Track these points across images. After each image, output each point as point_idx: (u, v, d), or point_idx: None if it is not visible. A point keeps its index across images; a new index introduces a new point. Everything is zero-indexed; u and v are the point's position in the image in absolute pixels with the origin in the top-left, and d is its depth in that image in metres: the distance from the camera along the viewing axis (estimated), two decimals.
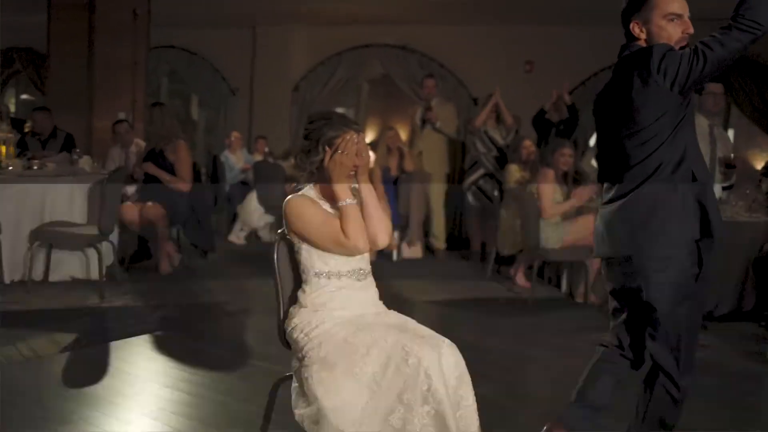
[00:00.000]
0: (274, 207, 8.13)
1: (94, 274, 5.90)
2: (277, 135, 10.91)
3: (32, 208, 5.83)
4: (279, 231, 3.07)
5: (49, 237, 5.72)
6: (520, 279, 6.86)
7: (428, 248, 8.44)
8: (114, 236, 6.35)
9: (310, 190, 2.94)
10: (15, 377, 3.94)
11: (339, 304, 2.88)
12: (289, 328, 2.91)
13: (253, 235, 8.63)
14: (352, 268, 2.92)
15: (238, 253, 7.89)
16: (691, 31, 2.86)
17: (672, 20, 2.83)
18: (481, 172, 7.96)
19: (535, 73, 9.30)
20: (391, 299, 6.06)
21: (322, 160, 2.85)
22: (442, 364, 2.69)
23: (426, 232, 8.49)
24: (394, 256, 7.94)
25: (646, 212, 2.89)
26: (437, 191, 8.26)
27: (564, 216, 6.33)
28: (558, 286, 6.85)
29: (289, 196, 2.93)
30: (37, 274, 5.89)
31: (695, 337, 3.01)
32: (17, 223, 5.76)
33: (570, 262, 6.59)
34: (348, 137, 2.84)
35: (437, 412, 2.62)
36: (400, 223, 8.01)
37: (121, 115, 8.07)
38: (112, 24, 8.23)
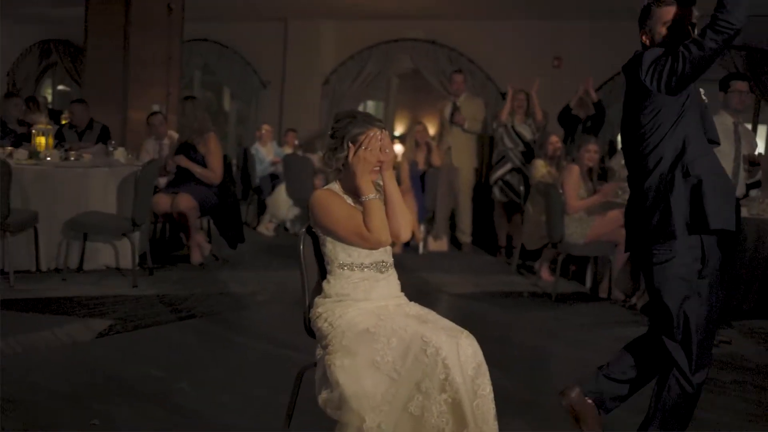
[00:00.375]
0: (302, 199, 8.27)
1: (127, 263, 6.06)
2: (307, 128, 11.05)
3: (68, 198, 5.98)
4: (306, 225, 3.20)
5: (83, 227, 5.88)
6: (545, 273, 6.93)
7: (454, 242, 8.52)
8: (147, 226, 6.56)
9: (335, 185, 3.05)
10: (52, 361, 4.10)
11: (362, 295, 2.99)
12: (314, 318, 3.03)
13: (281, 226, 8.77)
14: (374, 260, 3.02)
15: (267, 245, 8.03)
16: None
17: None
18: (508, 167, 8.02)
19: (564, 69, 9.31)
20: (418, 291, 6.22)
21: (347, 157, 2.96)
22: (460, 355, 2.78)
23: (452, 226, 8.58)
24: (420, 249, 8.02)
25: (647, 207, 3.03)
26: (465, 185, 8.33)
27: (588, 211, 6.37)
28: (583, 281, 6.90)
29: (316, 191, 3.05)
30: (73, 262, 6.07)
31: (709, 333, 3.07)
32: (54, 213, 5.93)
33: (594, 258, 6.64)
34: (371, 134, 2.94)
35: (454, 400, 2.71)
36: (426, 216, 8.10)
37: (156, 108, 8.24)
38: (147, 18, 8.40)
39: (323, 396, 2.83)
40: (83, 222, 5.84)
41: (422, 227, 8.03)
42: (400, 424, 2.72)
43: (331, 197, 3.00)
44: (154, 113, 7.74)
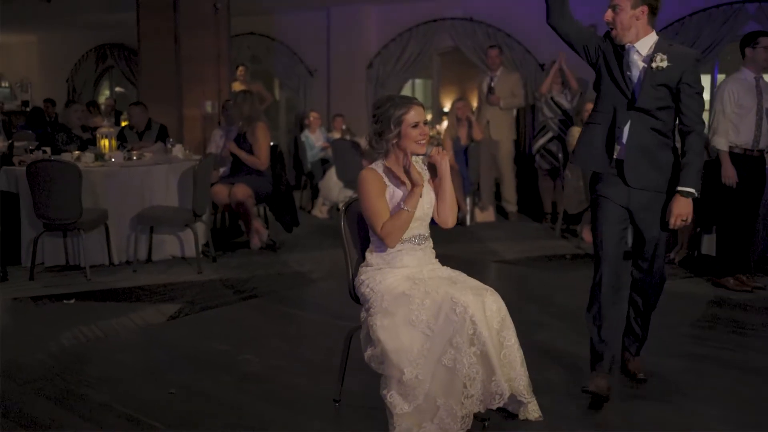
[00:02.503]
0: (352, 181, 8.62)
1: (192, 252, 6.51)
2: (353, 112, 11.39)
3: (134, 195, 6.46)
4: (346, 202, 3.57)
5: (149, 220, 6.35)
6: (587, 235, 7.14)
7: (501, 212, 8.79)
8: (208, 216, 7.02)
9: (379, 165, 3.37)
10: (131, 343, 4.57)
11: (399, 263, 3.34)
12: (358, 285, 3.39)
13: (334, 208, 9.15)
14: (412, 234, 3.36)
15: (321, 226, 8.41)
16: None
17: None
18: (549, 135, 8.24)
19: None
20: (465, 260, 6.57)
21: (395, 138, 3.27)
22: (486, 311, 3.10)
23: (498, 197, 8.84)
24: (468, 221, 8.31)
25: None
26: (506, 157, 8.57)
27: None
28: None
29: (362, 170, 3.37)
30: (142, 254, 6.55)
31: None
32: (121, 210, 6.41)
33: None
34: (413, 111, 3.25)
35: (482, 353, 3.05)
36: (471, 189, 8.37)
37: (208, 105, 8.70)
38: (195, 18, 8.82)
39: (368, 353, 3.19)
40: (148, 216, 6.30)
41: (468, 200, 8.30)
42: (436, 374, 3.07)
43: (371, 183, 3.28)
44: (227, 100, 8.15)
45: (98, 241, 6.40)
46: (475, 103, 9.10)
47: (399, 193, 3.30)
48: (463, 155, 8.31)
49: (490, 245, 7.23)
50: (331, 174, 8.92)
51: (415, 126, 3.27)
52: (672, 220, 3.55)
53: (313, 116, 9.83)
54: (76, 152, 6.88)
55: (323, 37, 11.94)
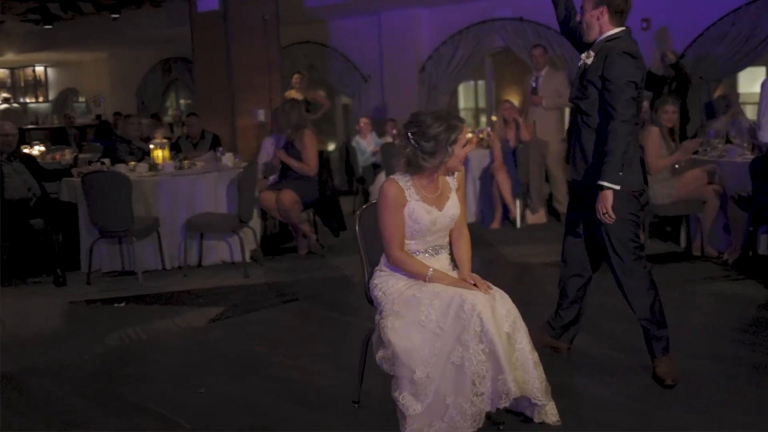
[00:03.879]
0: None
1: (240, 257, 6.70)
2: (407, 115, 11.44)
3: (183, 202, 6.69)
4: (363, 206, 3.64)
5: (197, 227, 6.56)
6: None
7: (554, 213, 8.71)
8: (257, 222, 7.20)
9: (404, 177, 3.34)
10: (170, 345, 4.75)
11: None
12: (372, 288, 3.46)
13: None
14: (428, 246, 3.41)
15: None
16: None
17: None
18: None
19: (651, 31, 9.23)
20: (511, 263, 6.54)
21: (445, 157, 3.24)
22: (495, 313, 3.13)
23: (550, 198, 8.78)
24: (518, 223, 8.27)
25: None
26: (555, 157, 8.50)
27: (673, 172, 6.45)
28: (678, 241, 6.96)
29: (386, 180, 3.38)
30: (193, 260, 6.77)
31: None
32: (172, 217, 6.66)
33: (686, 217, 6.69)
34: (463, 132, 3.30)
35: (491, 350, 3.07)
36: (521, 191, 8.33)
37: (259, 112, 8.94)
38: (245, 30, 9.05)
39: (379, 354, 3.25)
40: (196, 223, 6.52)
41: (518, 202, 8.27)
42: (446, 372, 3.11)
43: (391, 197, 3.29)
44: (276, 108, 8.35)
45: (152, 247, 6.65)
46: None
47: (419, 209, 3.30)
48: (512, 157, 8.27)
49: (538, 247, 7.17)
50: (381, 178, 9.01)
51: (464, 146, 3.31)
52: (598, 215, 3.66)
53: (363, 122, 9.96)
54: (132, 163, 7.17)
55: (376, 43, 12.06)
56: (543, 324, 4.22)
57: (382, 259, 3.48)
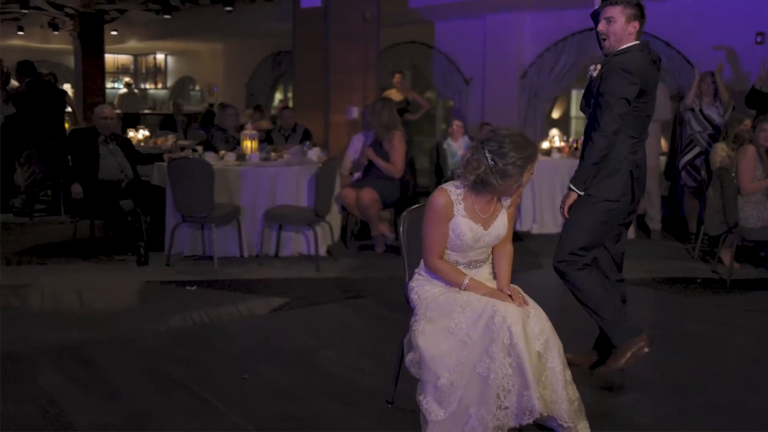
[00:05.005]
0: None
1: (319, 251, 6.82)
2: (507, 121, 11.32)
3: (264, 193, 6.86)
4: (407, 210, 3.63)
5: (275, 218, 6.70)
6: (726, 259, 6.69)
7: (645, 229, 8.40)
8: (337, 217, 7.30)
9: (456, 189, 3.26)
10: (228, 329, 4.88)
11: None
12: (409, 290, 3.45)
13: None
14: (468, 260, 3.36)
15: None
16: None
17: None
18: (696, 151, 7.79)
19: (766, 45, 8.75)
20: None
21: (514, 182, 3.14)
22: (527, 330, 3.05)
23: (642, 213, 8.46)
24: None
25: None
26: (650, 172, 8.15)
27: (767, 194, 6.10)
28: None
29: (437, 189, 3.32)
30: (270, 250, 6.93)
31: None
32: (254, 207, 6.84)
33: None
34: (535, 162, 3.19)
35: (518, 365, 3.00)
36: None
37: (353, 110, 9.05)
38: (345, 29, 9.18)
39: (408, 357, 3.24)
40: (274, 214, 6.66)
41: None
42: (471, 383, 3.06)
43: (438, 208, 3.22)
44: (366, 106, 8.44)
45: (232, 234, 6.85)
46: None
47: (464, 225, 3.23)
48: None
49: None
50: None
51: (530, 171, 3.24)
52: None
53: (456, 124, 9.90)
54: (222, 152, 7.40)
55: (480, 46, 11.96)
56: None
57: (422, 263, 3.46)
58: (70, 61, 17.19)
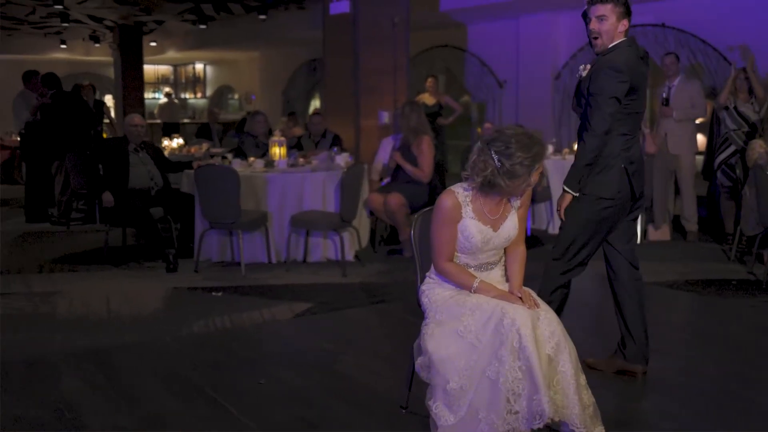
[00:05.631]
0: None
1: (347, 255, 6.82)
2: (540, 123, 11.22)
3: (292, 199, 6.87)
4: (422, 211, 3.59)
5: (300, 223, 6.71)
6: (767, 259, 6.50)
7: (681, 230, 8.22)
8: (365, 222, 7.28)
9: (464, 191, 3.19)
10: (249, 334, 4.89)
11: None
12: (420, 294, 3.40)
13: None
14: (479, 263, 3.30)
15: None
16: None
17: None
18: (731, 149, 7.61)
19: None
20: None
21: (522, 183, 3.05)
22: (537, 332, 2.98)
23: (678, 215, 8.28)
24: (638, 239, 7.87)
25: None
26: (686, 172, 8.00)
27: None
28: None
29: (445, 191, 3.26)
30: (299, 255, 6.94)
31: None
32: (281, 213, 6.86)
33: None
34: (543, 161, 3.16)
35: (528, 369, 2.93)
36: (644, 205, 7.90)
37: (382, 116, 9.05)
38: (374, 33, 9.16)
39: (418, 361, 3.20)
40: (300, 219, 6.67)
41: (640, 216, 7.86)
42: (480, 386, 3.00)
43: (446, 210, 3.16)
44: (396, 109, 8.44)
45: (260, 240, 6.88)
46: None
47: (472, 227, 3.17)
48: None
49: (652, 265, 6.76)
50: None
51: (538, 170, 3.17)
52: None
53: (486, 126, 9.85)
54: (251, 158, 7.45)
55: (513, 48, 11.87)
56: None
57: (433, 266, 3.41)
58: (111, 73, 17.52)
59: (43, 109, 9.13)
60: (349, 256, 6.99)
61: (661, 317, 5.15)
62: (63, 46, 17.42)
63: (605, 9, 3.73)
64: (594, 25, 3.76)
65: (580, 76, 3.83)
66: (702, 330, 4.93)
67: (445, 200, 3.22)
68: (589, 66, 3.80)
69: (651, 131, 7.98)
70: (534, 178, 3.13)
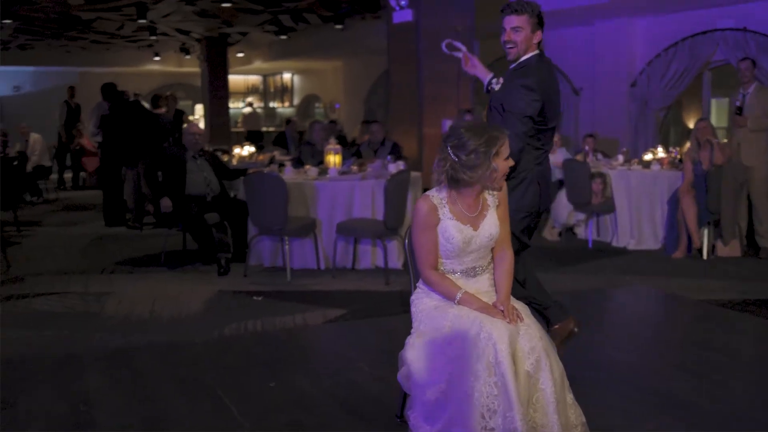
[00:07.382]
0: (583, 204, 8.29)
1: (395, 263, 6.84)
2: (616, 131, 10.93)
3: (342, 206, 6.95)
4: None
5: (346, 231, 6.77)
6: None
7: (754, 246, 7.82)
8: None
9: (438, 194, 3.18)
10: (272, 337, 4.98)
11: None
12: (411, 303, 3.38)
13: (569, 231, 8.87)
14: (465, 267, 3.25)
15: (549, 249, 8.16)
16: None
17: None
18: None
19: None
20: (667, 294, 6.05)
21: (484, 171, 3.04)
22: (517, 344, 2.92)
23: (750, 230, 7.88)
24: (704, 254, 7.54)
25: None
26: (760, 185, 7.62)
27: None
28: None
29: (420, 198, 3.23)
30: (347, 262, 7.00)
31: None
32: (330, 220, 6.94)
33: None
34: (505, 146, 3.10)
35: (503, 385, 2.87)
36: (712, 218, 7.58)
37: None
38: (436, 42, 9.11)
39: (401, 371, 3.18)
40: (345, 227, 6.73)
41: (705, 231, 7.54)
42: (456, 400, 2.96)
43: (422, 215, 3.14)
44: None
45: (310, 246, 6.99)
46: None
47: (451, 228, 3.14)
48: (704, 181, 7.56)
49: (711, 282, 6.49)
50: (562, 195, 8.66)
51: (506, 159, 3.14)
52: None
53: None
54: (307, 166, 7.58)
55: (589, 54, 11.61)
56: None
57: (421, 277, 3.38)
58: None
59: (103, 120, 9.61)
60: (397, 264, 7.00)
61: (703, 338, 4.93)
62: (156, 58, 18.19)
63: (520, 20, 3.74)
64: (509, 36, 3.77)
65: (494, 89, 3.86)
66: (737, 351, 4.67)
67: (421, 206, 3.19)
68: (502, 80, 3.81)
69: (720, 141, 7.63)
70: (501, 164, 3.05)
